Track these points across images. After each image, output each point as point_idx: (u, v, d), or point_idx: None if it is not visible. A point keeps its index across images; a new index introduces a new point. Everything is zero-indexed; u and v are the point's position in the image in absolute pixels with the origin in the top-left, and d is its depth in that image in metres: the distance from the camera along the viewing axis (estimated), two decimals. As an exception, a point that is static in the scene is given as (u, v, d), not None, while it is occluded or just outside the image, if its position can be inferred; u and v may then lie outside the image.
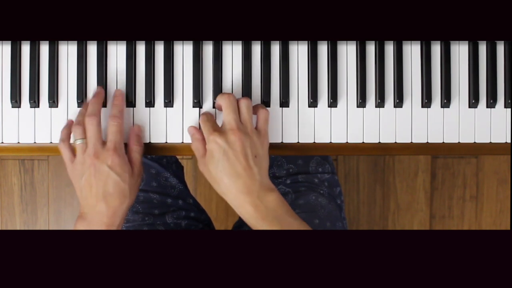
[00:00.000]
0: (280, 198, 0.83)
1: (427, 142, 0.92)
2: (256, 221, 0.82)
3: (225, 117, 0.84)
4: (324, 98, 0.91)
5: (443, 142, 0.92)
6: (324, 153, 0.92)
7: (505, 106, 0.92)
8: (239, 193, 0.82)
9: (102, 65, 0.89)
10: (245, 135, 0.82)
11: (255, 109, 0.87)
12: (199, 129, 0.87)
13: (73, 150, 0.86)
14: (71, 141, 0.87)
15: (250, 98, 0.89)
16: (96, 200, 0.83)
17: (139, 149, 0.87)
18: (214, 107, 0.90)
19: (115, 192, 0.83)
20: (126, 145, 0.87)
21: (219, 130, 0.83)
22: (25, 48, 0.89)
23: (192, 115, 0.90)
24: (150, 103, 0.89)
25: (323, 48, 0.91)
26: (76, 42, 0.89)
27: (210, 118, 0.86)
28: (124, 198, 0.84)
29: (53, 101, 0.89)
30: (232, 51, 0.91)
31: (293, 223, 0.82)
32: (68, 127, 0.87)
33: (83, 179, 0.83)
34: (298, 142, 0.91)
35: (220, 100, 0.85)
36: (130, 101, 0.89)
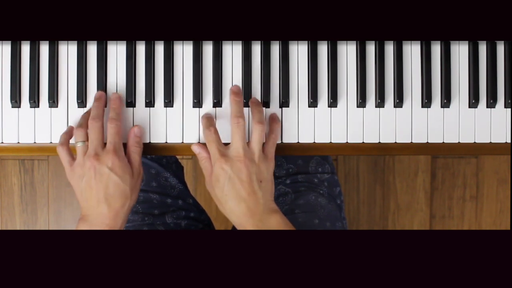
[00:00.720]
0: (283, 219, 0.85)
1: (427, 142, 0.92)
2: None
3: (233, 143, 0.84)
4: (324, 98, 0.91)
5: (443, 142, 0.92)
6: (324, 153, 0.92)
7: (505, 106, 0.92)
8: (242, 215, 0.83)
9: (102, 65, 0.89)
10: (251, 162, 0.84)
11: (268, 121, 0.88)
12: (203, 146, 0.88)
13: (71, 153, 0.86)
14: (72, 143, 0.87)
15: (250, 97, 0.89)
16: (97, 202, 0.83)
17: (138, 150, 0.87)
18: (214, 106, 0.90)
19: (116, 194, 0.84)
20: (125, 146, 0.87)
21: (225, 155, 0.84)
22: (25, 48, 0.89)
23: (192, 115, 0.90)
24: (150, 103, 0.89)
25: (323, 48, 0.91)
26: (76, 42, 0.89)
27: (215, 138, 0.85)
28: (126, 199, 0.84)
29: (53, 101, 0.89)
30: (232, 51, 0.91)
31: None
32: (69, 133, 0.88)
33: (83, 181, 0.84)
34: (298, 142, 0.91)
35: (231, 123, 0.85)
36: (130, 101, 0.89)
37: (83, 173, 0.84)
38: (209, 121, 0.88)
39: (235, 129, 0.84)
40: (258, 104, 0.88)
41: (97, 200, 0.83)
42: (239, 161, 0.83)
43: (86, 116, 0.87)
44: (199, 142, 0.89)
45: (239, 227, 0.85)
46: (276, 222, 0.84)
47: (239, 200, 0.83)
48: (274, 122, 0.89)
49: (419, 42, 0.91)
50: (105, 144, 0.85)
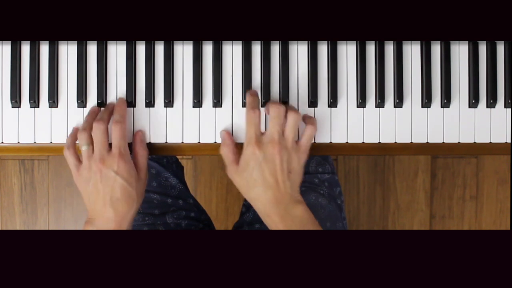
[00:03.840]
0: (307, 211, 0.84)
1: (427, 142, 0.92)
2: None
3: (270, 128, 0.84)
4: (324, 98, 0.91)
5: (443, 142, 0.92)
6: (324, 153, 0.92)
7: (505, 106, 0.92)
8: (268, 202, 0.83)
9: (102, 65, 0.89)
10: (284, 149, 0.83)
11: (304, 120, 0.87)
12: (230, 134, 0.88)
13: (78, 156, 0.86)
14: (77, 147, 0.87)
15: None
16: (103, 206, 0.83)
17: (145, 154, 0.87)
18: (214, 106, 0.90)
19: (123, 198, 0.83)
20: (130, 149, 0.87)
21: (260, 141, 0.83)
22: (25, 48, 0.89)
23: (192, 115, 0.90)
24: (150, 103, 0.89)
25: (323, 48, 0.91)
26: (76, 42, 0.89)
27: (257, 122, 0.84)
28: (132, 202, 0.84)
29: (53, 101, 0.89)
30: (232, 51, 0.91)
31: None
32: (74, 135, 0.87)
33: (90, 184, 0.83)
34: (298, 142, 0.91)
35: (270, 107, 0.84)
36: (130, 101, 0.89)
37: (89, 176, 0.83)
38: (256, 102, 0.86)
39: (275, 113, 0.84)
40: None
41: (103, 204, 0.83)
42: (272, 147, 0.82)
43: (88, 119, 0.87)
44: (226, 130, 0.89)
45: (263, 215, 0.84)
46: (300, 212, 0.83)
47: (267, 187, 0.82)
48: (309, 117, 0.88)
49: (419, 42, 0.91)
50: (110, 146, 0.85)
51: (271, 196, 0.83)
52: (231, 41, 0.90)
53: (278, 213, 0.83)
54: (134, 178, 0.84)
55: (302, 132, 0.87)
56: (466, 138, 0.92)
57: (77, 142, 0.87)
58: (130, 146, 0.88)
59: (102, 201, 0.83)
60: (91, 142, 0.84)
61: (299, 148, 0.85)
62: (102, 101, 0.89)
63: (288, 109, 0.85)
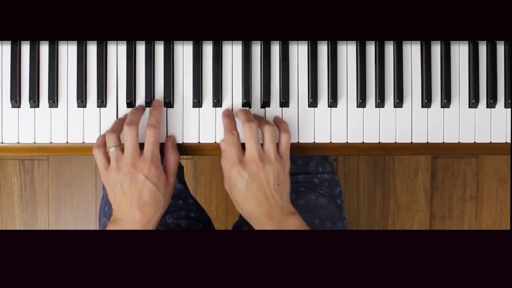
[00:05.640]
0: (300, 221, 0.85)
1: (427, 142, 0.92)
2: None
3: (248, 148, 0.84)
4: (324, 98, 0.91)
5: (443, 142, 0.92)
6: (324, 153, 0.92)
7: (505, 106, 0.92)
8: (261, 217, 0.84)
9: (102, 65, 0.89)
10: (268, 164, 0.83)
11: (276, 125, 0.87)
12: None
13: (107, 156, 0.86)
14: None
15: (250, 98, 0.89)
16: (130, 208, 0.83)
17: (176, 158, 0.87)
18: (214, 106, 0.90)
19: (151, 202, 0.84)
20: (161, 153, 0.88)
21: (242, 161, 0.84)
22: (25, 48, 0.89)
23: (192, 115, 0.90)
24: (150, 103, 0.89)
25: (323, 48, 0.91)
26: (76, 42, 0.89)
27: (236, 143, 0.85)
28: (159, 207, 0.85)
29: (53, 101, 0.89)
30: (232, 51, 0.91)
31: None
32: (105, 135, 0.87)
33: (117, 186, 0.84)
34: (298, 142, 0.91)
35: (244, 129, 0.85)
36: (130, 102, 0.89)
37: (118, 178, 0.83)
38: (232, 124, 0.87)
39: (248, 133, 0.84)
40: (251, 115, 0.87)
41: (130, 206, 0.83)
42: (256, 166, 0.83)
43: (119, 121, 0.87)
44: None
45: (259, 229, 0.85)
46: (294, 224, 0.84)
47: (258, 204, 0.83)
48: (280, 122, 0.89)
49: (419, 42, 0.91)
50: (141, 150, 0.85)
51: (263, 212, 0.83)
52: (231, 41, 0.90)
53: (273, 226, 0.83)
54: (163, 183, 0.85)
55: (277, 139, 0.87)
56: (466, 138, 0.92)
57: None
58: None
59: (129, 203, 0.83)
60: (119, 143, 0.85)
61: (282, 157, 0.86)
62: (102, 101, 0.89)
63: (261, 123, 0.85)
